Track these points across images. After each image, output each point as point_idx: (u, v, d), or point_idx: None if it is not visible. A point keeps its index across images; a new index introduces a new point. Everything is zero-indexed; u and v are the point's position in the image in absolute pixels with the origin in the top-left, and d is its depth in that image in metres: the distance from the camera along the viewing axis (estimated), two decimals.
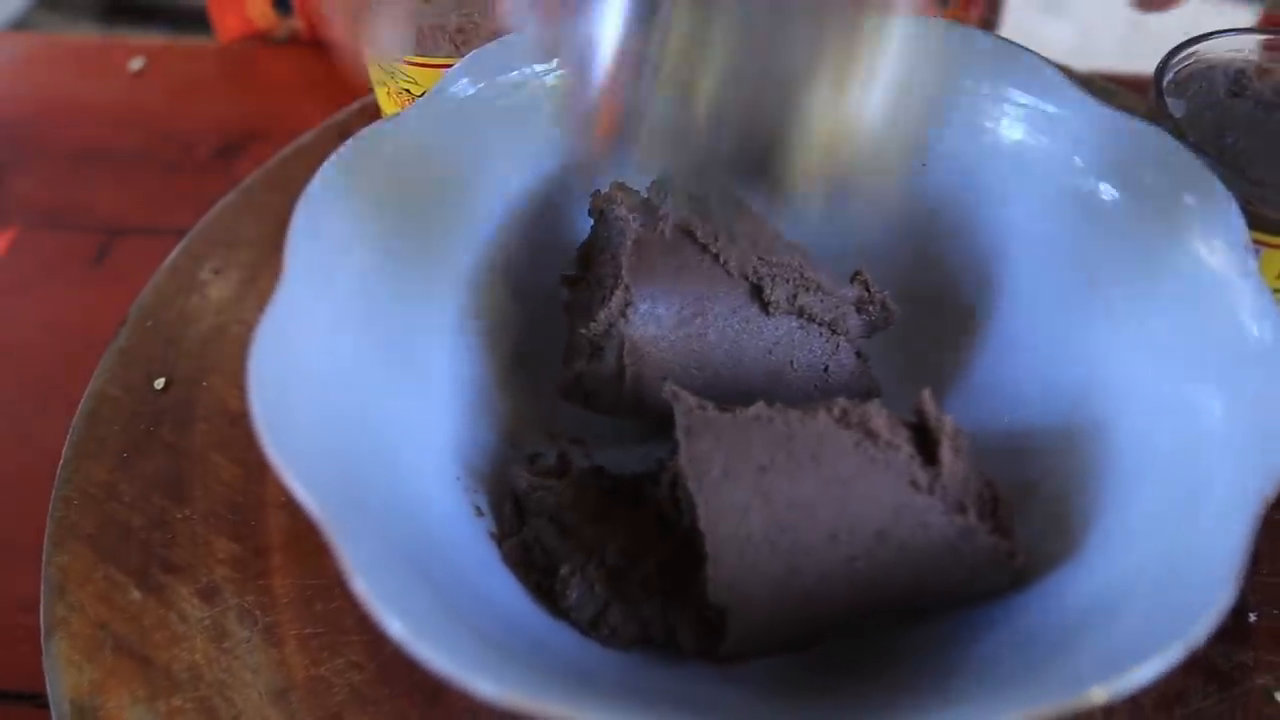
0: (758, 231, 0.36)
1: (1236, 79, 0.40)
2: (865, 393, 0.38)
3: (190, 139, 0.61)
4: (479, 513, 0.36)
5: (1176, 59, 0.40)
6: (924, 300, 0.41)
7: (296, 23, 0.67)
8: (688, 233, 0.35)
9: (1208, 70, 0.41)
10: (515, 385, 0.40)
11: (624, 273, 0.35)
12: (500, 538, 0.36)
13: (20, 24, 2.03)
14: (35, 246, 0.56)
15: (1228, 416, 0.31)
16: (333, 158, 0.35)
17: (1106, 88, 0.53)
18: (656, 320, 0.35)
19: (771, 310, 0.36)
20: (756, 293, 0.36)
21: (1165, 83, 0.40)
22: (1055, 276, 0.38)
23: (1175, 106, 0.39)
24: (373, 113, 0.51)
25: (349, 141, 0.35)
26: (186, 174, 0.59)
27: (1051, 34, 1.87)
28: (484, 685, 0.25)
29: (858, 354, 0.38)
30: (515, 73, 0.38)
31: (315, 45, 0.66)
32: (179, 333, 0.46)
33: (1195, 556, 0.28)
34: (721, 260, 0.35)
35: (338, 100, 0.56)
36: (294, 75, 0.64)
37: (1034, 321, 0.39)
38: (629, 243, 0.35)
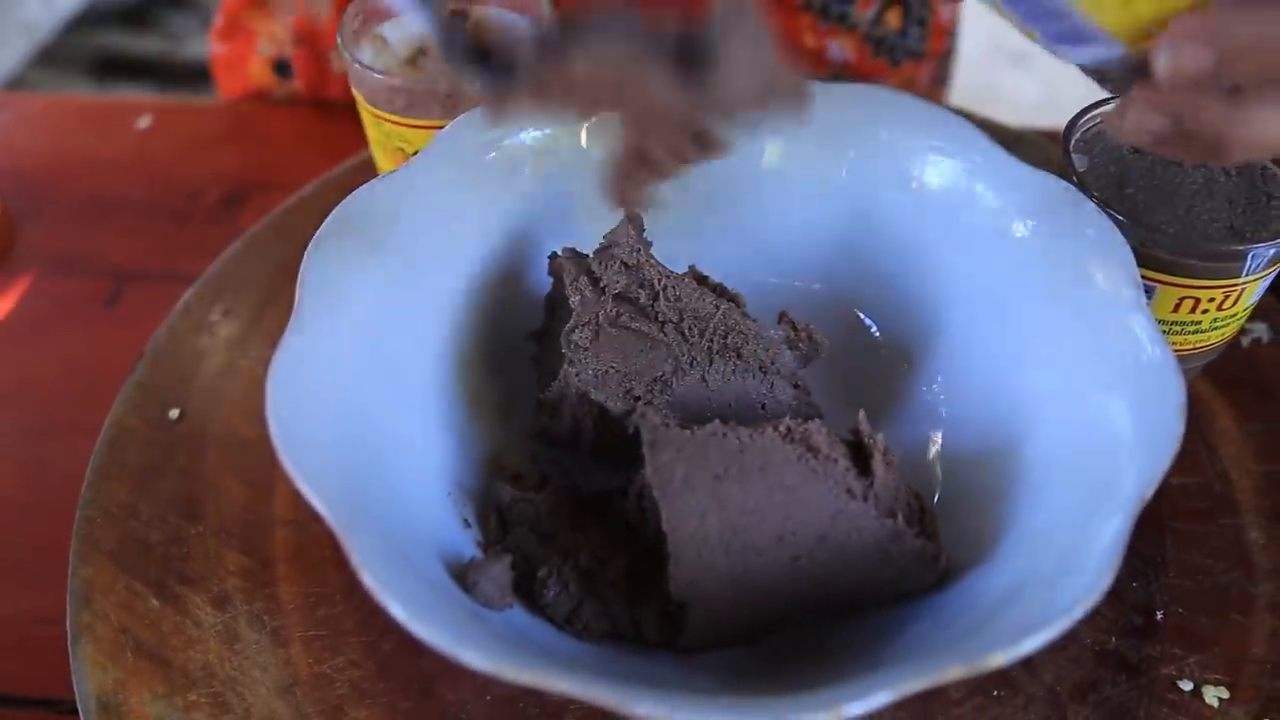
0: (690, 292, 0.41)
1: None
2: (806, 418, 0.42)
3: (196, 189, 0.65)
4: (466, 524, 0.41)
5: (1084, 119, 0.46)
6: (864, 337, 0.46)
7: (295, 85, 0.72)
8: (628, 300, 0.40)
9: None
10: (498, 415, 0.44)
11: (568, 350, 0.39)
12: (486, 546, 0.40)
13: (15, 81, 2.08)
14: (50, 291, 0.60)
15: (1133, 423, 0.36)
16: (336, 210, 0.40)
17: (1037, 141, 0.59)
18: (605, 383, 0.40)
19: (707, 363, 0.41)
20: (692, 350, 0.41)
21: (1073, 140, 0.45)
22: (979, 311, 0.43)
23: (1080, 161, 0.44)
24: (368, 168, 0.56)
25: (352, 195, 0.40)
26: (194, 222, 0.63)
27: (1017, 87, 1.94)
28: (474, 657, 0.29)
29: (795, 385, 0.42)
30: (495, 136, 0.43)
31: (314, 105, 0.71)
32: (192, 368, 0.50)
33: (1085, 551, 0.33)
34: (660, 322, 0.40)
35: (335, 155, 0.61)
36: (294, 131, 0.69)
37: (962, 353, 0.44)
38: (574, 318, 0.40)
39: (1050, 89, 1.93)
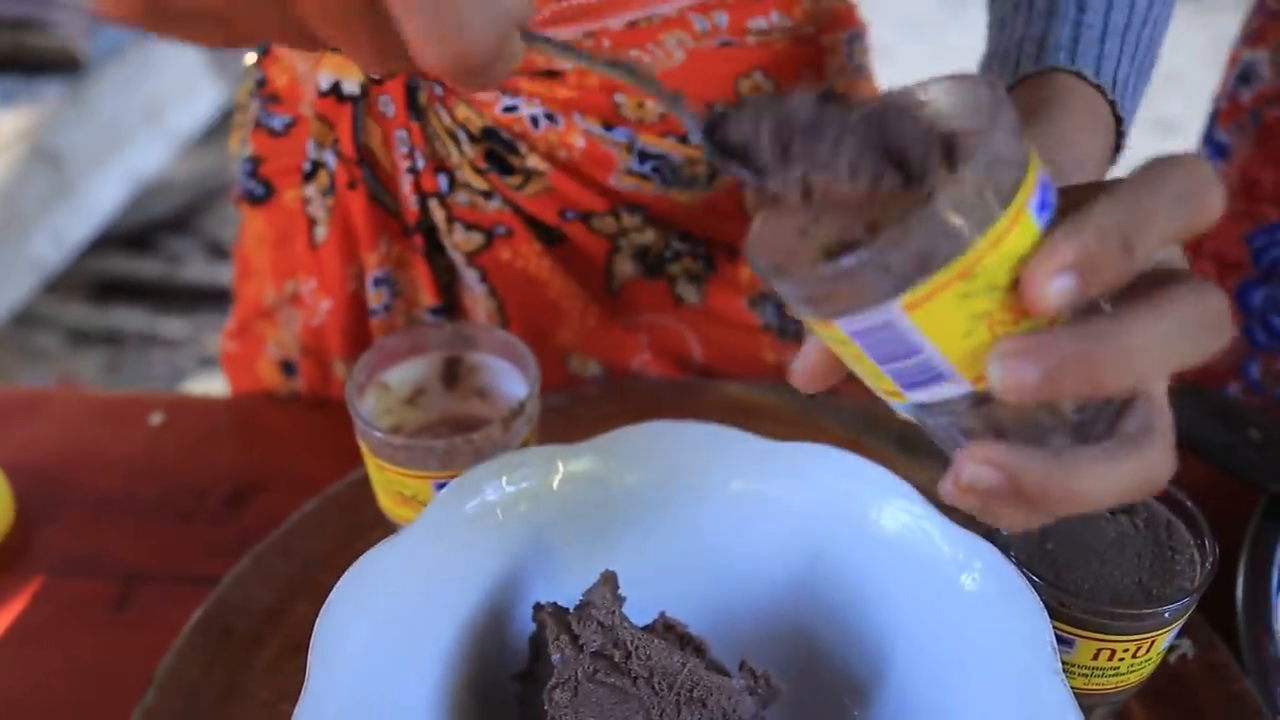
0: (659, 650, 0.45)
1: None
2: None
3: (203, 488, 0.70)
4: None
5: None
6: (815, 680, 0.50)
7: (299, 384, 0.78)
8: (604, 657, 0.45)
9: None
10: None
11: (550, 708, 0.44)
12: None
13: (23, 309, 2.16)
14: (59, 594, 0.64)
15: None
16: (347, 575, 0.45)
17: None
18: None
19: (675, 714, 0.45)
20: (662, 702, 0.45)
21: None
22: (926, 661, 0.48)
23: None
24: (365, 483, 0.60)
25: (360, 560, 0.45)
26: (199, 523, 0.68)
27: None
28: None
29: None
30: (487, 492, 0.49)
31: (317, 404, 0.77)
32: (198, 696, 0.53)
33: None
34: (633, 677, 0.45)
35: (336, 455, 0.66)
36: (298, 428, 0.74)
37: (908, 700, 0.48)
38: (555, 675, 0.44)
39: None
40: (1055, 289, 0.30)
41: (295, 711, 0.40)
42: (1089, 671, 0.48)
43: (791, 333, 0.78)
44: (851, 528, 0.50)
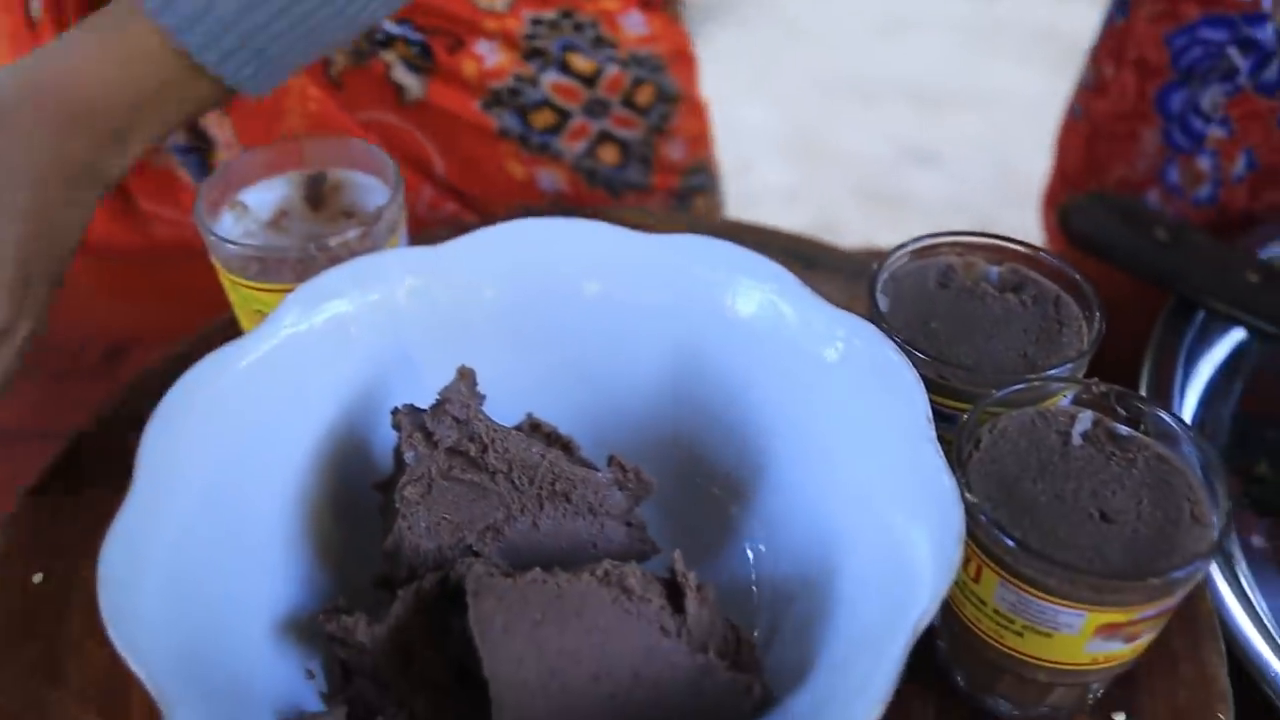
0: (518, 443, 0.43)
1: (945, 273, 0.49)
2: (641, 555, 0.45)
3: (77, 347, 0.67)
4: (310, 675, 0.42)
5: (891, 260, 0.49)
6: (697, 473, 0.49)
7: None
8: (459, 453, 0.43)
9: (920, 267, 0.50)
10: (348, 565, 0.46)
11: (400, 504, 0.42)
12: (329, 696, 0.42)
13: None
14: None
15: (930, 551, 0.38)
16: (178, 383, 0.42)
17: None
18: (438, 534, 0.42)
19: (538, 508, 0.43)
20: (522, 497, 0.43)
21: (881, 279, 0.49)
22: (796, 445, 0.46)
23: (882, 301, 0.48)
24: (233, 326, 0.58)
25: (193, 368, 0.42)
26: (75, 380, 0.65)
27: (929, 188, 2.02)
28: None
29: (628, 524, 0.44)
30: (337, 300, 0.46)
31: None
32: (57, 531, 0.51)
33: (879, 672, 0.35)
34: (490, 472, 0.43)
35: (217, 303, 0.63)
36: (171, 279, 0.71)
37: (784, 487, 0.46)
38: (407, 473, 0.42)
39: (958, 185, 2.01)
40: None
41: (115, 521, 0.38)
42: None
43: (535, 145, 0.74)
44: (712, 319, 0.47)
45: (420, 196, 0.75)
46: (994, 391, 0.43)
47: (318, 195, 0.55)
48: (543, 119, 0.75)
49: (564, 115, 0.75)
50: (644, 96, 0.77)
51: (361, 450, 0.48)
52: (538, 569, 0.39)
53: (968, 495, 0.39)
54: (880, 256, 0.49)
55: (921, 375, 0.42)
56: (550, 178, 0.77)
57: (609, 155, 0.77)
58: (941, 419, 0.43)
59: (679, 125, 0.80)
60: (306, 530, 0.45)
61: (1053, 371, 0.45)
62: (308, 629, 0.43)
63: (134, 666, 0.34)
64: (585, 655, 0.38)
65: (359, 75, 0.70)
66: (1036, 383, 0.44)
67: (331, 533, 0.46)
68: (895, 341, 0.43)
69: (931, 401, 0.42)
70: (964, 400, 0.45)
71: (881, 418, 0.42)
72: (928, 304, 0.48)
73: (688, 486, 0.49)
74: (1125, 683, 0.45)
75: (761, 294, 0.46)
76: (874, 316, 0.46)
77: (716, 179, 0.87)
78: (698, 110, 0.83)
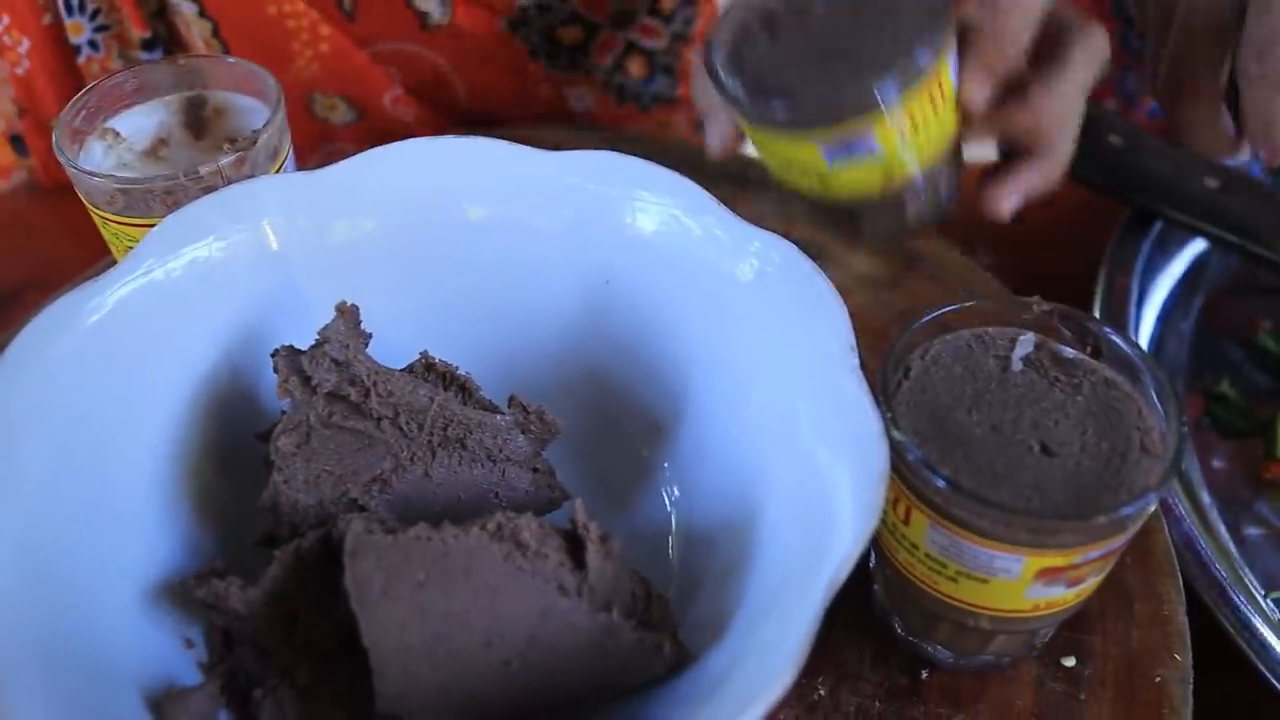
0: (403, 386, 0.39)
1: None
2: (550, 503, 0.41)
3: None
4: (189, 644, 0.39)
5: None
6: (611, 410, 0.45)
7: (34, 162, 0.69)
8: (340, 398, 0.39)
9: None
10: (232, 523, 0.42)
11: (275, 456, 0.38)
12: (209, 667, 0.38)
13: None
14: None
15: (851, 492, 0.35)
16: (24, 331, 0.38)
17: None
18: (318, 488, 0.38)
19: (429, 457, 0.39)
20: (412, 445, 0.39)
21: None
22: (715, 376, 0.42)
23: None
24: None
25: (39, 314, 0.38)
26: None
27: None
28: None
29: (535, 470, 0.41)
30: (206, 238, 0.41)
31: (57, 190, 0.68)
32: None
33: (799, 619, 0.31)
34: (375, 418, 0.39)
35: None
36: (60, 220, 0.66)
37: (703, 422, 0.43)
38: (282, 421, 0.38)
39: None
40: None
41: None
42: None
43: (564, 62, 0.70)
44: (615, 240, 0.43)
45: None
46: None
47: (199, 121, 0.51)
48: (570, 35, 0.71)
49: (591, 29, 0.71)
50: (668, 1, 0.73)
51: (248, 398, 0.44)
52: (422, 524, 0.35)
53: (894, 432, 0.35)
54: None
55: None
56: (579, 97, 0.74)
57: (636, 68, 0.74)
58: None
59: (702, 29, 0.76)
60: (185, 487, 0.42)
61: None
62: (187, 594, 0.40)
63: None
64: (475, 619, 0.34)
65: (374, 2, 0.65)
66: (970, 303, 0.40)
67: (216, 488, 0.43)
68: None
69: None
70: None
71: (801, 344, 0.38)
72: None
73: (603, 426, 0.45)
74: (1076, 624, 0.43)
75: (662, 209, 0.42)
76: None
77: None
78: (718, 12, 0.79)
